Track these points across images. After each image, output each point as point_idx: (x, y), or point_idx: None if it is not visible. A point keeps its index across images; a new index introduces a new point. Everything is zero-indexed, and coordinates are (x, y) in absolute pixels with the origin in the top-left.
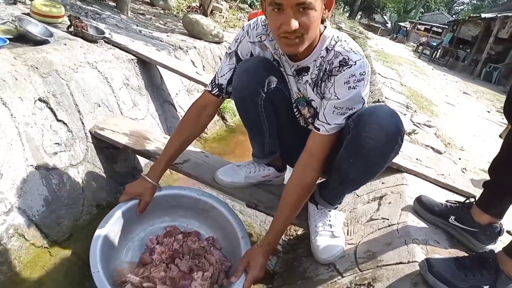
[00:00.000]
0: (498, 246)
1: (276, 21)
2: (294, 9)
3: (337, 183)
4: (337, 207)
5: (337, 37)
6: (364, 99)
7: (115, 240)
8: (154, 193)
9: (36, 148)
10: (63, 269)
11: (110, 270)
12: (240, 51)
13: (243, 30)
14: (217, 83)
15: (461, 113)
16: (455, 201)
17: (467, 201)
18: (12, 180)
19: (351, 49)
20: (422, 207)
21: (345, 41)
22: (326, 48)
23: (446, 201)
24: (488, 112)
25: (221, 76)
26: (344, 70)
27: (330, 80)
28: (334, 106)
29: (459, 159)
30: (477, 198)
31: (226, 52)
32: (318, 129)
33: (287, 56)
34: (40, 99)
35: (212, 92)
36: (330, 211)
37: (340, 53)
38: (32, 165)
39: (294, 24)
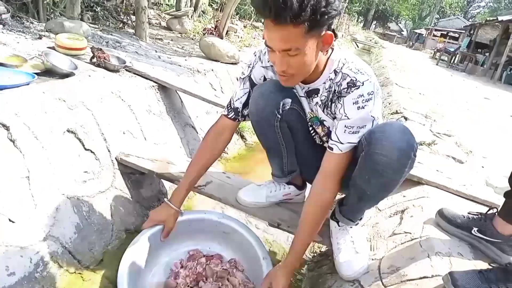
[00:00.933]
0: None
1: (271, 59)
2: (282, 53)
3: (355, 199)
4: (357, 223)
5: (344, 59)
6: (374, 117)
7: (142, 266)
8: (177, 218)
9: (66, 177)
10: None
11: None
12: (253, 75)
13: (255, 55)
14: (233, 107)
15: (482, 119)
16: (477, 212)
17: (489, 211)
18: (45, 209)
19: (358, 70)
20: (444, 220)
21: (352, 62)
22: (334, 71)
23: (468, 213)
24: (511, 116)
25: (236, 100)
26: (352, 91)
27: (340, 101)
28: (345, 126)
29: (482, 167)
30: (499, 208)
31: (240, 77)
32: (331, 149)
33: None
34: (68, 130)
35: (229, 116)
36: (351, 227)
37: (348, 75)
38: (63, 194)
39: (281, 67)
